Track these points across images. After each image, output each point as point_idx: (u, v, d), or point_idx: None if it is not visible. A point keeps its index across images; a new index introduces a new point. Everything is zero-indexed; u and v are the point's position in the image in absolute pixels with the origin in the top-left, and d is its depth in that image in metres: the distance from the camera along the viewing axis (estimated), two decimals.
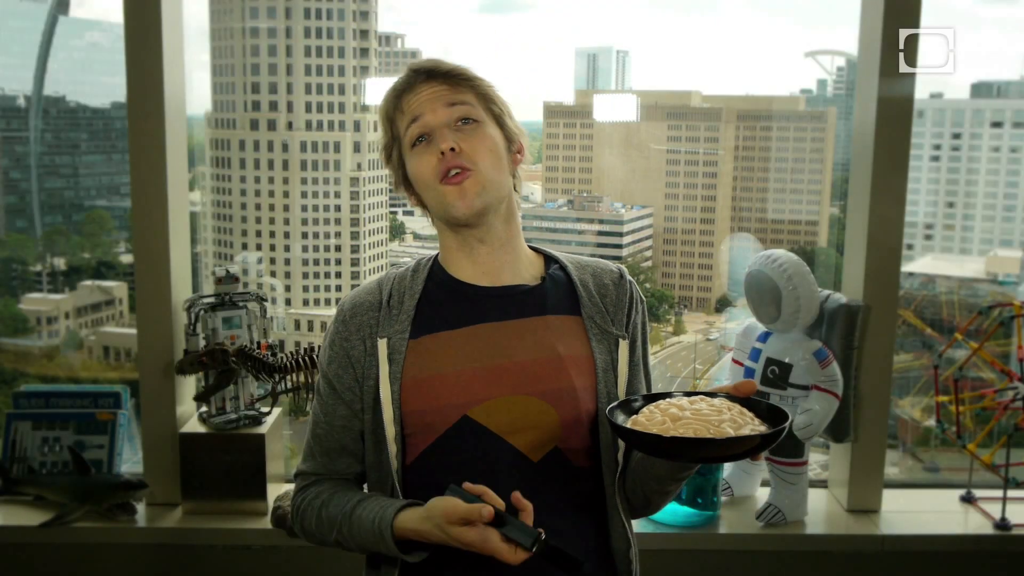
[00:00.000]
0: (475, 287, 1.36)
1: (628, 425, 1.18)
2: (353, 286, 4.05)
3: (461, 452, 1.28)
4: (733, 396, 1.22)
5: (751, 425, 1.16)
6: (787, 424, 1.15)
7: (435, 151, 1.30)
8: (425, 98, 1.32)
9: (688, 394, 1.24)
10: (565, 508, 1.32)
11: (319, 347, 2.09)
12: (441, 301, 1.36)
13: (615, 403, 1.24)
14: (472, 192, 1.29)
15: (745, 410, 1.20)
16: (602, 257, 1.46)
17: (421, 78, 1.34)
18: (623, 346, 1.37)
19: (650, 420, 1.18)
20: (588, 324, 1.36)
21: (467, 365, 1.30)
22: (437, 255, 1.42)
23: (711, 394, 1.24)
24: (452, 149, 1.28)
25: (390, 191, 4.28)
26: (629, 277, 1.45)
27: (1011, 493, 2.17)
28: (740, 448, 1.13)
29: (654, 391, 1.41)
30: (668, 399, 1.23)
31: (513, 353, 1.31)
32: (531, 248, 1.44)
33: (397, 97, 1.35)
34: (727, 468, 2.24)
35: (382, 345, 1.32)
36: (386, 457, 1.31)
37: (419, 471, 1.31)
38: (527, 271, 1.39)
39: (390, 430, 1.30)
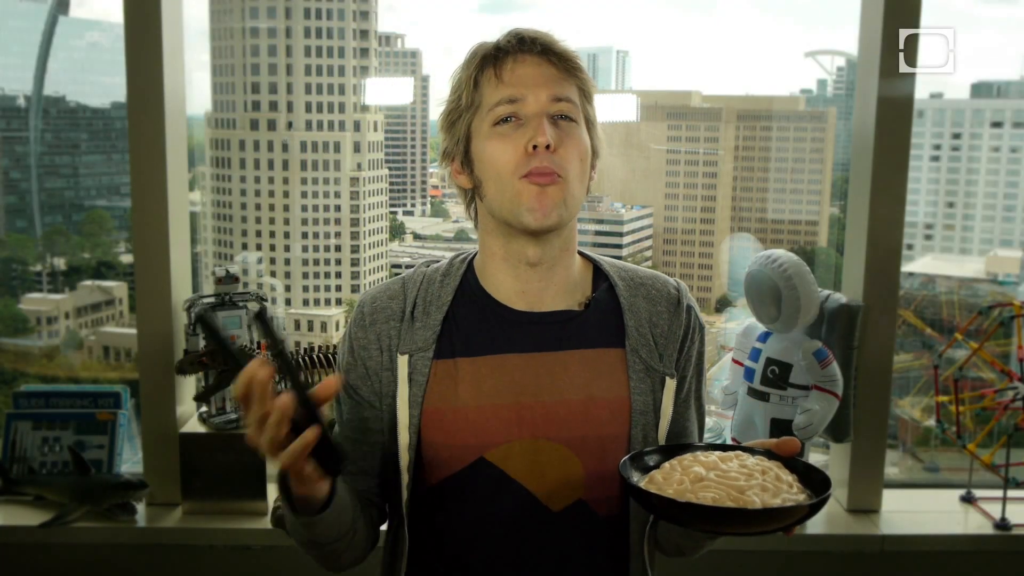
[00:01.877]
0: (509, 310, 1.20)
1: (644, 483, 1.04)
2: (353, 287, 4.08)
3: (475, 493, 1.18)
4: (774, 452, 1.08)
5: (786, 493, 0.99)
6: (828, 495, 0.99)
7: (523, 139, 1.13)
8: (531, 78, 1.14)
9: (726, 448, 1.10)
10: (586, 562, 1.20)
11: (319, 347, 2.09)
12: (469, 320, 1.20)
13: (631, 453, 1.11)
14: (553, 203, 1.13)
15: (784, 473, 1.04)
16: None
17: (529, 51, 1.15)
18: (669, 385, 1.21)
19: (667, 479, 1.03)
20: (631, 359, 1.20)
21: (487, 401, 1.17)
22: (474, 256, 1.26)
23: (751, 450, 1.09)
24: (548, 147, 1.12)
25: (390, 191, 4.28)
26: (688, 301, 1.29)
27: (1011, 493, 2.17)
28: (769, 524, 0.96)
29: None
30: (695, 452, 1.08)
31: (539, 392, 1.17)
32: (579, 254, 1.27)
33: (494, 62, 1.16)
34: None
35: (402, 363, 1.19)
36: (399, 485, 1.20)
37: (430, 506, 1.20)
38: (572, 295, 1.23)
39: (404, 457, 1.18)
